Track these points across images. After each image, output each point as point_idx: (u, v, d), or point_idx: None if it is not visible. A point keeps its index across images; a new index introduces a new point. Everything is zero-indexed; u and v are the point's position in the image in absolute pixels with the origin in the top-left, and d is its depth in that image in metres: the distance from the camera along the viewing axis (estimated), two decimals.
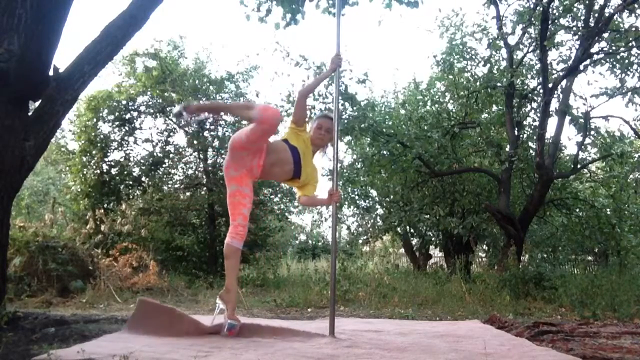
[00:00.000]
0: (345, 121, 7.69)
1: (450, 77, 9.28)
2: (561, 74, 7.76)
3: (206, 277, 7.32)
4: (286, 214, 10.71)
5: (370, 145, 8.78)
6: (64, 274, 5.41)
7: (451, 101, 9.81)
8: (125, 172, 8.95)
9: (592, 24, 7.35)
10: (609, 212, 9.16)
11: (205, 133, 9.31)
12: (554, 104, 7.93)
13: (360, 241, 11.59)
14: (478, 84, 8.71)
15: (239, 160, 3.12)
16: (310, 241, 20.19)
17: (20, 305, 4.50)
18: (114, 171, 8.89)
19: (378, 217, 11.22)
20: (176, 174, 9.58)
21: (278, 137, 3.36)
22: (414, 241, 12.14)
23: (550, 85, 7.47)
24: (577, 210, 9.42)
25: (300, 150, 3.19)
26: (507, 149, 8.19)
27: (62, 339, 2.82)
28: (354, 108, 7.83)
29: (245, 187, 3.15)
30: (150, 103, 9.24)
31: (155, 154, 9.15)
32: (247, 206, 3.15)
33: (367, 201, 11.30)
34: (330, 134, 3.30)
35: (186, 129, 2.64)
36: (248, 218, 3.17)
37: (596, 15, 7.45)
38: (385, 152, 8.27)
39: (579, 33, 7.67)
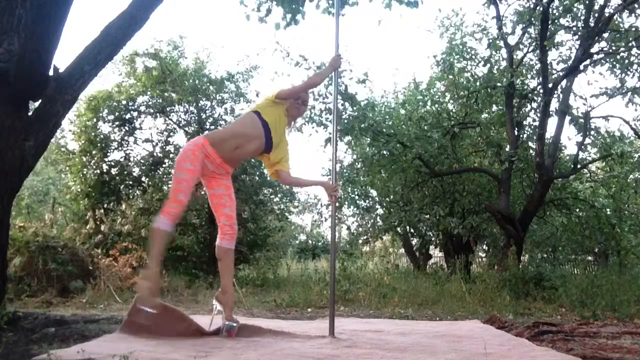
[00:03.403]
0: (345, 121, 7.69)
1: (450, 77, 9.28)
2: (561, 74, 7.76)
3: (206, 277, 7.31)
4: (286, 214, 10.71)
5: (370, 145, 8.78)
6: (64, 274, 5.41)
7: (451, 101, 9.81)
8: (125, 172, 8.94)
9: (592, 24, 7.35)
10: (609, 212, 9.16)
11: (205, 133, 9.31)
12: (554, 104, 7.94)
13: (360, 241, 11.58)
14: (478, 84, 8.71)
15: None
16: (310, 241, 20.18)
17: (20, 305, 4.50)
18: (114, 171, 8.88)
19: (378, 217, 11.21)
20: None
21: (248, 108, 3.21)
22: (414, 241, 12.13)
23: (550, 85, 7.48)
24: (577, 210, 9.41)
25: (271, 124, 3.06)
26: (507, 149, 8.19)
27: (62, 339, 2.82)
28: (354, 108, 7.84)
29: (218, 188, 3.12)
30: (150, 103, 9.24)
31: (155, 154, 9.15)
32: (226, 205, 3.11)
33: (367, 201, 11.29)
34: (306, 106, 3.30)
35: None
36: (233, 216, 3.12)
37: (596, 15, 7.45)
38: (385, 152, 8.27)
39: (579, 33, 7.68)
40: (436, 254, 12.89)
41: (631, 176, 9.37)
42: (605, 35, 7.39)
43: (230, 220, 3.10)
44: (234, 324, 3.04)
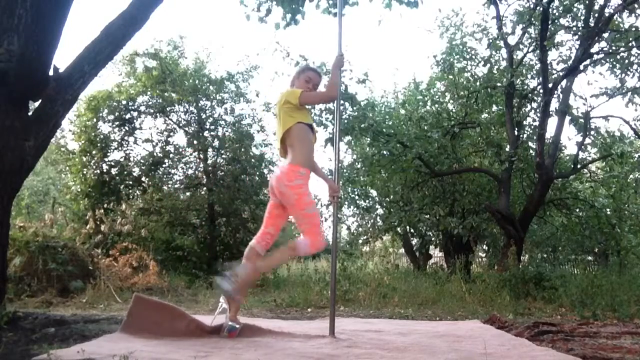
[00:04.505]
0: (345, 121, 7.69)
1: (450, 77, 9.28)
2: (561, 74, 7.75)
3: (206, 277, 7.32)
4: None
5: (370, 145, 8.78)
6: (64, 274, 5.41)
7: (451, 101, 9.81)
8: (125, 172, 8.94)
9: (592, 24, 7.35)
10: (609, 212, 9.16)
11: (206, 133, 9.32)
12: (554, 104, 7.94)
13: (360, 241, 11.59)
14: (478, 84, 8.71)
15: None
16: None
17: (20, 305, 4.50)
18: (114, 171, 8.88)
19: (378, 217, 11.22)
20: (176, 174, 9.57)
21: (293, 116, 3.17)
22: (414, 241, 12.14)
23: (550, 85, 7.47)
24: (577, 210, 9.42)
25: (311, 124, 3.23)
26: (507, 149, 8.19)
27: (62, 339, 2.82)
28: (354, 108, 7.83)
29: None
30: (150, 103, 9.24)
31: (155, 154, 9.14)
32: (284, 219, 3.26)
33: (367, 201, 11.30)
34: (317, 89, 3.32)
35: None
36: (280, 230, 3.28)
37: (596, 15, 7.45)
38: (385, 152, 8.26)
39: (579, 33, 7.67)
40: (436, 254, 12.89)
41: (631, 176, 9.38)
42: (605, 35, 7.38)
43: (277, 232, 3.24)
44: (237, 326, 3.05)
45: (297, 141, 3.10)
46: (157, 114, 9.26)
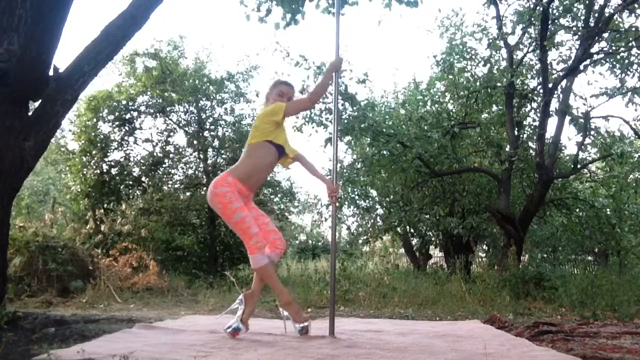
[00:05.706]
0: (345, 121, 7.69)
1: (450, 77, 9.28)
2: (561, 74, 7.75)
3: (206, 277, 7.32)
4: (286, 214, 10.72)
5: (370, 145, 8.78)
6: (64, 274, 5.41)
7: (451, 101, 9.81)
8: (125, 172, 8.95)
9: (592, 24, 7.35)
10: (609, 212, 9.16)
11: (206, 133, 9.32)
12: (554, 104, 7.93)
13: (360, 241, 11.58)
14: (478, 84, 8.71)
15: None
16: (310, 241, 20.18)
17: (20, 305, 4.50)
18: (114, 171, 8.89)
19: (378, 217, 11.21)
20: (176, 174, 9.59)
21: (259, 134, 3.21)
22: (414, 241, 12.13)
23: (550, 85, 7.47)
24: (577, 210, 9.42)
25: (283, 143, 3.21)
26: (507, 149, 8.19)
27: (62, 339, 2.82)
28: (354, 108, 7.84)
29: (252, 211, 3.18)
30: (150, 103, 9.25)
31: (155, 154, 9.15)
32: (267, 221, 3.24)
33: (367, 201, 11.29)
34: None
35: None
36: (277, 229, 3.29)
37: (596, 15, 7.45)
38: (385, 152, 8.26)
39: (579, 33, 7.67)
40: (436, 254, 12.89)
41: (631, 176, 9.37)
42: (605, 35, 7.38)
43: (278, 234, 3.23)
44: (243, 329, 3.06)
45: (247, 156, 3.18)
46: (157, 114, 9.27)
